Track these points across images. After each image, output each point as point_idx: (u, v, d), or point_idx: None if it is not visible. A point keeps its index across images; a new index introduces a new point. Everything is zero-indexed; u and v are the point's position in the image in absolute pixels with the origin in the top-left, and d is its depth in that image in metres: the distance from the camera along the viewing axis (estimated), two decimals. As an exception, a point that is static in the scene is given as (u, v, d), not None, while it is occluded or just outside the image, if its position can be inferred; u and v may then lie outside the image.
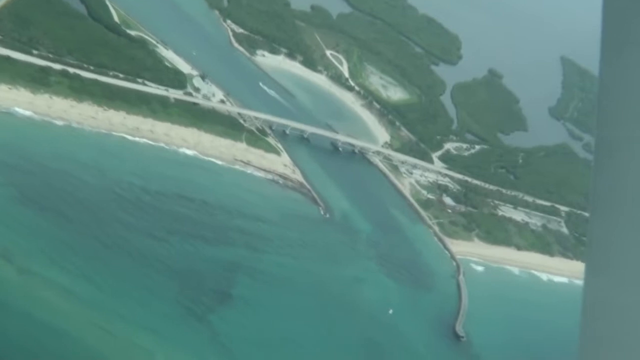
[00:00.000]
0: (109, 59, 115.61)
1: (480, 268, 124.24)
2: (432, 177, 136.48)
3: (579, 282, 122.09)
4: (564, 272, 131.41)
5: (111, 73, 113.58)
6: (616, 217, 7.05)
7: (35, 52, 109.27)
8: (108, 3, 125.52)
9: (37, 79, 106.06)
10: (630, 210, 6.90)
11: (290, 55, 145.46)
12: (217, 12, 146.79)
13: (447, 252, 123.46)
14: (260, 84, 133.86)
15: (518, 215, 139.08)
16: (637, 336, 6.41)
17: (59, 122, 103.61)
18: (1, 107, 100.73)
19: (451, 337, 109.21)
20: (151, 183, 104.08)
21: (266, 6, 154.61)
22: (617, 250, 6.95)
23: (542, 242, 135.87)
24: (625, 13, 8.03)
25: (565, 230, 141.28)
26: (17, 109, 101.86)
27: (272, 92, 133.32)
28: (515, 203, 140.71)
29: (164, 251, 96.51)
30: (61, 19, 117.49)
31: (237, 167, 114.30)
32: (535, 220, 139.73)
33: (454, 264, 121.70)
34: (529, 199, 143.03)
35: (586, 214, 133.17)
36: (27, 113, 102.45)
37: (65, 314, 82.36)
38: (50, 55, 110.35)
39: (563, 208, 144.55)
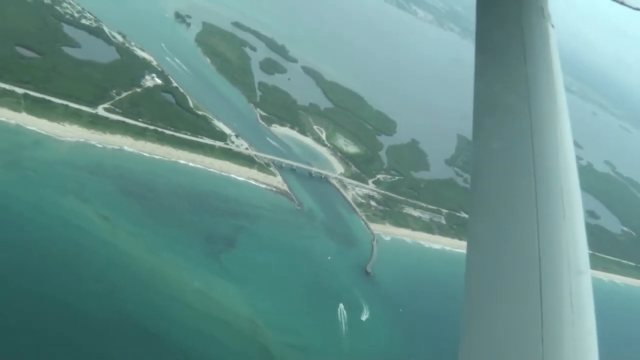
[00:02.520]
0: (184, 125, 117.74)
1: (387, 238, 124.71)
2: (366, 191, 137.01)
3: (448, 249, 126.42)
4: (439, 243, 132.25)
5: (183, 132, 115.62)
6: (484, 212, 7.06)
7: (139, 120, 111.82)
8: (187, 96, 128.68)
9: (139, 133, 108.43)
10: (492, 207, 6.91)
11: (292, 127, 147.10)
12: (252, 104, 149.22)
13: (368, 229, 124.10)
14: (269, 139, 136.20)
15: (415, 213, 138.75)
16: (504, 295, 6.15)
17: (148, 155, 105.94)
18: (115, 146, 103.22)
19: (363, 273, 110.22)
20: (198, 187, 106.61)
21: (282, 102, 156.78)
22: (486, 232, 6.74)
23: (428, 227, 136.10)
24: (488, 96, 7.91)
25: (443, 222, 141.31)
26: (125, 147, 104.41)
27: (276, 144, 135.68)
28: (415, 207, 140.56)
29: (199, 221, 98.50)
30: (157, 103, 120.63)
31: (249, 181, 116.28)
32: (425, 216, 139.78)
33: (372, 235, 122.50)
34: (424, 204, 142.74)
35: (457, 214, 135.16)
36: (131, 150, 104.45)
37: (135, 247, 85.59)
38: (149, 122, 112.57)
39: (444, 210, 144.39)
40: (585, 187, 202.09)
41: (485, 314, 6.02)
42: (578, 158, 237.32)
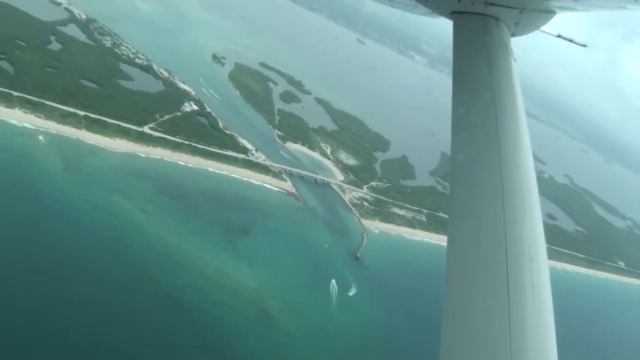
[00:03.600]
0: (213, 141, 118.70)
1: (376, 231, 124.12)
2: (361, 195, 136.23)
3: (426, 240, 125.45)
4: (419, 236, 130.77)
5: (212, 146, 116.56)
6: (461, 211, 6.96)
7: (177, 136, 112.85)
8: (218, 119, 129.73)
9: (176, 147, 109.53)
10: (468, 208, 6.88)
11: (303, 144, 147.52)
12: (271, 126, 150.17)
13: (360, 223, 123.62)
14: (282, 153, 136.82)
15: (401, 212, 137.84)
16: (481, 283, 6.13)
17: (183, 164, 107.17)
18: (156, 156, 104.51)
19: (354, 258, 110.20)
20: (222, 189, 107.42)
21: (296, 125, 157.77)
22: (463, 228, 6.77)
23: (410, 223, 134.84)
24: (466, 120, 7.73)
25: (424, 219, 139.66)
26: (164, 158, 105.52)
27: (288, 157, 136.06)
28: (401, 207, 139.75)
29: (221, 215, 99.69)
30: (193, 124, 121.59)
31: (264, 185, 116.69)
32: (409, 215, 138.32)
33: (363, 228, 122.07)
34: (408, 206, 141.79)
35: (436, 214, 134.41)
36: (169, 160, 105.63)
37: (168, 233, 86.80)
38: (185, 138, 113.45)
39: (425, 210, 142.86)
40: (546, 195, 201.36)
41: (462, 292, 6.16)
42: (541, 172, 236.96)
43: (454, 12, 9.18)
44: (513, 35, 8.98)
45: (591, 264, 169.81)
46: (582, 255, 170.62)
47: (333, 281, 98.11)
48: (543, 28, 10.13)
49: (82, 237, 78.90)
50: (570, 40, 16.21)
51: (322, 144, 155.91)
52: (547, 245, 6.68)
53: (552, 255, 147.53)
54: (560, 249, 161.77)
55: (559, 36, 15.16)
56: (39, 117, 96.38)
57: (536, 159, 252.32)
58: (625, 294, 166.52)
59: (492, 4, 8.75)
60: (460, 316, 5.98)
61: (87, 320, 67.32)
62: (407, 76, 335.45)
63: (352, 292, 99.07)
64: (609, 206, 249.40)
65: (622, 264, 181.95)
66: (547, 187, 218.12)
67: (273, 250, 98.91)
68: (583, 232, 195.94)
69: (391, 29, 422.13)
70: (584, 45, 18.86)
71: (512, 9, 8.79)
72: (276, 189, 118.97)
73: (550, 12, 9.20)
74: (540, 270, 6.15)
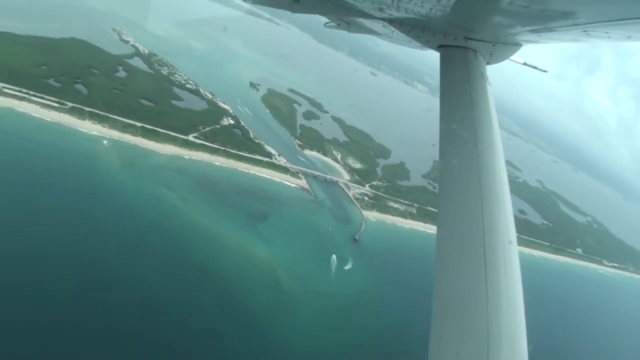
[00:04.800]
0: (245, 147, 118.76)
1: (373, 220, 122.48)
2: (363, 191, 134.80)
3: (415, 228, 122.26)
4: (409, 224, 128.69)
5: (243, 151, 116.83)
6: (448, 206, 6.95)
7: (215, 143, 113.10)
8: (250, 131, 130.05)
9: (214, 151, 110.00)
10: (453, 203, 6.85)
11: (318, 151, 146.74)
12: (293, 137, 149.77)
13: (360, 213, 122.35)
14: (300, 157, 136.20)
15: (395, 205, 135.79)
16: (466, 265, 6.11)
17: (218, 164, 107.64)
18: (197, 158, 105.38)
19: (352, 239, 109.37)
20: (248, 184, 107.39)
21: (314, 137, 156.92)
22: (449, 218, 6.77)
23: (403, 214, 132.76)
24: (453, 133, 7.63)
25: (414, 212, 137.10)
26: (204, 160, 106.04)
27: (305, 161, 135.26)
28: (396, 202, 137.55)
29: (246, 204, 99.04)
30: (229, 134, 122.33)
31: (283, 182, 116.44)
32: (403, 208, 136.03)
33: (362, 217, 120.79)
34: (402, 201, 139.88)
35: (425, 207, 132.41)
36: (207, 161, 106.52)
37: (202, 217, 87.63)
38: (221, 145, 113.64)
39: (416, 205, 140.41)
40: (520, 195, 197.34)
41: (449, 271, 6.18)
42: (517, 177, 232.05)
43: (440, 46, 9.27)
44: (488, 63, 8.98)
45: (555, 251, 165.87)
46: (547, 243, 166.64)
47: (333, 257, 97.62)
48: (512, 57, 9.98)
49: (134, 218, 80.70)
50: (534, 67, 16.01)
51: (334, 152, 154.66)
52: (518, 235, 6.68)
53: (521, 242, 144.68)
54: (529, 238, 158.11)
55: (524, 64, 15.00)
56: (105, 127, 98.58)
57: (513, 166, 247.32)
58: (582, 275, 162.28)
59: (470, 39, 8.83)
60: (447, 289, 6.04)
61: (133, 280, 69.19)
62: (410, 101, 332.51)
63: (348, 267, 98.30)
64: (572, 205, 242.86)
65: (580, 250, 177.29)
66: (521, 189, 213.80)
67: (286, 231, 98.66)
68: (549, 225, 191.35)
69: (399, 64, 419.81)
70: (545, 71, 18.79)
71: (487, 42, 8.82)
72: (293, 185, 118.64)
73: (517, 45, 9.10)
74: (511, 253, 6.20)
